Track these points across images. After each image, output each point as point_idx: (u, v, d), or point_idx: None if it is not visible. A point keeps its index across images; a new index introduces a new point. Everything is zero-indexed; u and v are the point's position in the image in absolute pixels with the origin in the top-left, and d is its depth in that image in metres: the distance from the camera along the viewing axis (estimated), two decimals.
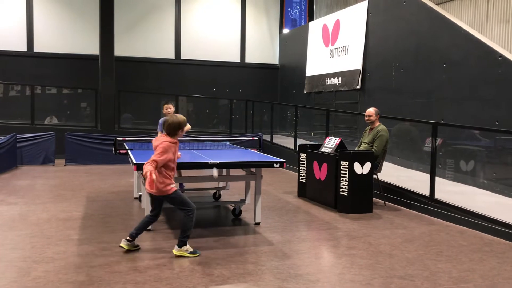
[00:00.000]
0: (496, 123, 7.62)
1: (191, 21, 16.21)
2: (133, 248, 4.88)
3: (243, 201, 6.54)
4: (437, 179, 7.01)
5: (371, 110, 7.61)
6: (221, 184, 7.80)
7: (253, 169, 6.22)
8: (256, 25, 16.95)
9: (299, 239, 5.49)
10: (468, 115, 8.24)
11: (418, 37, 9.62)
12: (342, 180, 6.91)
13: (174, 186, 4.75)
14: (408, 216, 6.76)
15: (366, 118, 7.61)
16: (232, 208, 6.65)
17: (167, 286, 3.95)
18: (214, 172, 6.36)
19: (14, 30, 14.65)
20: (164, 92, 15.48)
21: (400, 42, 10.19)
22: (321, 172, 7.42)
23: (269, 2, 17.09)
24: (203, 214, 6.77)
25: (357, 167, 6.84)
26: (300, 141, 11.23)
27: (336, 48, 12.80)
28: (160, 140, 4.77)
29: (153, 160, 4.58)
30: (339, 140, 7.42)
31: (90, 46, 14.71)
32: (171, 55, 16.02)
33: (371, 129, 7.63)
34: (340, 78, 12.52)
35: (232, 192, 8.24)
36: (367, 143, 7.51)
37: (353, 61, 11.89)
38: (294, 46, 15.79)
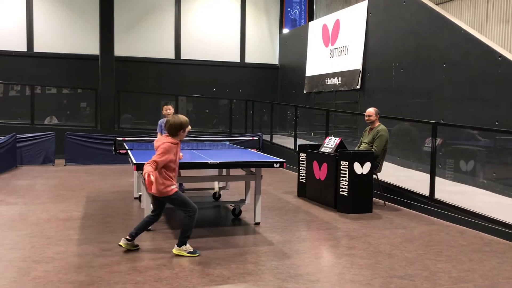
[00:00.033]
0: (496, 123, 7.62)
1: (191, 21, 16.21)
2: (132, 248, 4.88)
3: (243, 201, 6.54)
4: (437, 179, 7.01)
5: (371, 110, 7.61)
6: (221, 184, 7.80)
7: (253, 169, 6.22)
8: (256, 25, 16.96)
9: (299, 239, 5.49)
10: (468, 115, 8.24)
11: (418, 37, 9.62)
12: (342, 180, 6.91)
13: (174, 187, 4.74)
14: (408, 216, 6.76)
15: (366, 118, 7.61)
16: (232, 208, 6.65)
17: (167, 286, 3.95)
18: (216, 185, 6.42)
19: (14, 30, 14.65)
20: (164, 92, 15.50)
21: (400, 42, 10.19)
22: (321, 172, 7.42)
23: (269, 2, 17.09)
24: (203, 214, 6.77)
25: (357, 167, 6.84)
26: (300, 141, 11.23)
27: (336, 48, 12.80)
28: (162, 140, 4.76)
29: (153, 160, 4.57)
30: (339, 140, 7.43)
31: (90, 46, 14.71)
32: (171, 55, 16.02)
33: (371, 129, 7.63)
34: (340, 78, 12.52)
35: (232, 192, 8.24)
36: (367, 143, 7.52)
37: (353, 61, 11.89)
38: (294, 46, 15.79)
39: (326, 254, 5.02)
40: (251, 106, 15.01)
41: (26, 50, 14.74)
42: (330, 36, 13.14)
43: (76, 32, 15.10)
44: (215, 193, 7.78)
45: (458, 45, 8.59)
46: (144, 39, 15.72)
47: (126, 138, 7.83)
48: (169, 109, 7.77)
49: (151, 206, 5.21)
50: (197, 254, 4.74)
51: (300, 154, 8.24)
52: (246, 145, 8.55)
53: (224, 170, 7.30)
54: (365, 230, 5.94)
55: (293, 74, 15.70)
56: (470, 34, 8.38)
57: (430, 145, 7.34)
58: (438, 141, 7.54)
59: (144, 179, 4.52)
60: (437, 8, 9.38)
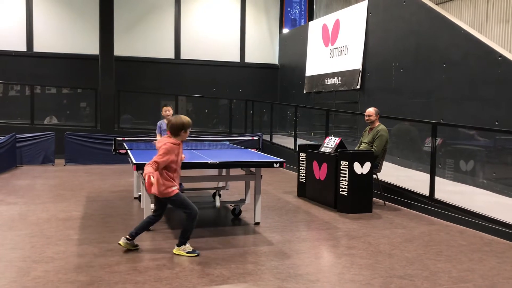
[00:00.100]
0: (496, 123, 7.62)
1: (191, 21, 16.21)
2: (132, 248, 4.87)
3: (242, 201, 6.54)
4: (437, 179, 7.01)
5: (371, 110, 7.61)
6: (221, 184, 7.80)
7: (252, 169, 6.22)
8: (256, 25, 16.95)
9: (299, 239, 5.49)
10: (468, 115, 8.24)
11: (418, 37, 9.62)
12: (342, 180, 6.91)
13: (175, 189, 4.72)
14: (408, 216, 6.76)
15: (366, 118, 7.61)
16: (232, 208, 6.65)
17: (167, 286, 3.95)
18: (217, 201, 6.44)
19: (14, 30, 14.65)
20: (163, 92, 15.50)
21: (400, 42, 10.19)
22: (321, 172, 7.42)
23: (269, 2, 17.09)
24: (203, 214, 6.76)
25: (357, 167, 6.84)
26: (299, 141, 11.22)
27: (336, 48, 12.80)
28: (163, 141, 4.75)
29: (154, 161, 4.55)
30: (338, 140, 7.42)
31: (90, 46, 14.71)
32: (170, 55, 16.02)
33: (371, 129, 7.63)
34: (339, 78, 12.52)
35: (232, 192, 8.24)
36: (367, 143, 7.51)
37: (353, 61, 11.89)
38: (294, 46, 15.79)
39: (326, 254, 5.02)
40: (251, 106, 15.01)
41: (26, 50, 14.74)
42: (330, 36, 13.14)
43: (76, 32, 15.11)
44: (214, 193, 7.77)
45: (458, 45, 8.59)
46: (144, 39, 15.72)
47: (126, 138, 7.82)
48: (168, 111, 7.75)
49: (153, 206, 5.20)
50: (196, 254, 4.73)
51: (300, 154, 8.24)
52: (246, 145, 8.54)
53: (224, 170, 7.29)
54: (365, 230, 5.94)
55: (293, 74, 15.70)
56: (470, 34, 8.38)
57: (430, 145, 7.34)
58: (438, 141, 7.54)
59: (145, 180, 4.51)
60: (437, 8, 9.38)
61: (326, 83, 13.24)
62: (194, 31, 16.24)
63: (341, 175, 6.91)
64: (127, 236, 4.86)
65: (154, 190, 4.61)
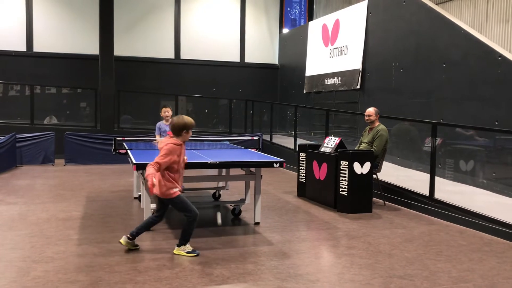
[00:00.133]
0: (496, 123, 7.62)
1: (190, 21, 16.21)
2: (132, 248, 4.87)
3: (242, 201, 6.54)
4: (437, 178, 7.02)
5: (370, 110, 7.61)
6: (221, 184, 7.80)
7: (252, 169, 6.21)
8: (256, 25, 16.95)
9: (298, 239, 5.49)
10: (468, 115, 8.24)
11: (418, 37, 9.62)
12: (342, 180, 6.91)
13: (177, 190, 4.71)
14: (408, 216, 6.76)
15: (366, 118, 7.61)
16: (231, 208, 6.65)
17: (166, 286, 3.95)
18: (218, 218, 6.44)
19: (14, 30, 14.64)
20: (163, 92, 15.50)
21: (400, 42, 10.19)
22: (320, 172, 7.42)
23: (269, 2, 17.09)
24: (203, 214, 6.76)
25: (356, 167, 6.84)
26: (299, 141, 11.22)
27: (336, 48, 12.80)
28: (165, 142, 4.75)
29: (156, 162, 4.54)
30: (338, 140, 7.43)
31: (90, 46, 14.71)
32: (170, 55, 16.02)
33: (370, 128, 7.63)
34: (339, 78, 12.52)
35: (231, 192, 8.24)
36: (366, 143, 7.52)
37: (353, 61, 11.89)
38: (293, 46, 15.79)
39: (326, 254, 5.02)
40: (251, 106, 15.00)
41: (25, 50, 14.74)
42: (330, 36, 13.14)
43: (76, 32, 15.10)
44: (214, 193, 7.78)
45: (458, 45, 8.59)
46: (144, 39, 15.72)
47: (126, 138, 7.82)
48: (167, 112, 7.72)
49: (154, 206, 5.19)
50: (195, 254, 4.73)
51: (300, 154, 8.24)
52: (246, 145, 8.54)
53: (223, 170, 7.29)
54: (365, 230, 5.94)
55: (293, 74, 15.70)
56: (470, 34, 8.38)
57: (430, 145, 7.34)
58: (438, 141, 7.54)
59: (146, 180, 4.50)
60: (437, 8, 9.38)
61: (326, 83, 13.24)
62: (194, 31, 16.24)
63: (341, 175, 6.91)
64: (128, 235, 4.86)
65: (156, 190, 4.61)
